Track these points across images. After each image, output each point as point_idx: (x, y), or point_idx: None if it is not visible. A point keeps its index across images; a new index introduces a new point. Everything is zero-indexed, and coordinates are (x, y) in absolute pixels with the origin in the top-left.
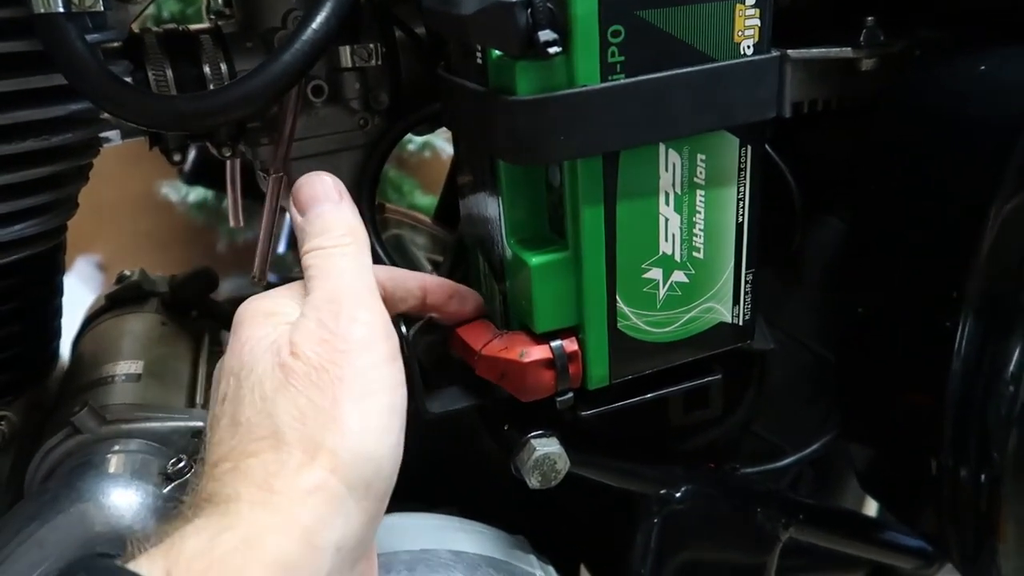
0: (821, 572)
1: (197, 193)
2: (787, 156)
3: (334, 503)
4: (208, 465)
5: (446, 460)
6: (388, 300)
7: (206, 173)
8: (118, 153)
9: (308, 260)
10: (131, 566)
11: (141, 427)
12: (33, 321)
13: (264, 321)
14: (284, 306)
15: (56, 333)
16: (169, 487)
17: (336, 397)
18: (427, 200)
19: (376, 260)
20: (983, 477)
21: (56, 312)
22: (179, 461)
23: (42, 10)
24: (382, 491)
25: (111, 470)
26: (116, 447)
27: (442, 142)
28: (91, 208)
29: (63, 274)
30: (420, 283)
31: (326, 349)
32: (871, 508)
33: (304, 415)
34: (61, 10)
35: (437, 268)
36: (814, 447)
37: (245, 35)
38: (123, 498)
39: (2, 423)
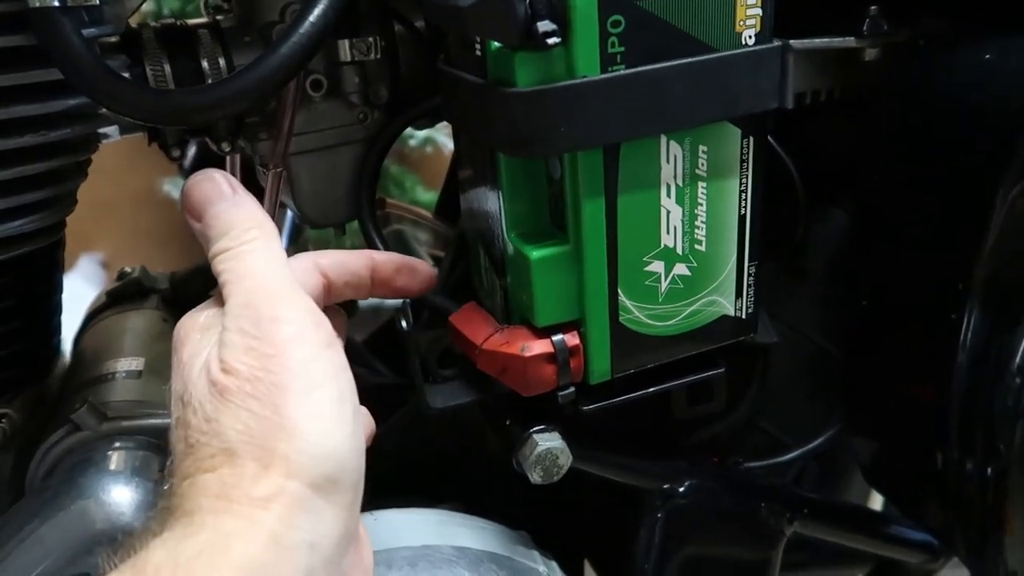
0: (826, 567)
1: None
2: (789, 147)
3: (298, 505)
4: (171, 483)
5: (448, 455)
6: (334, 286)
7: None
8: (119, 150)
9: (217, 266)
10: None
11: (142, 424)
12: (33, 318)
13: (200, 338)
14: (217, 317)
15: (56, 330)
16: (167, 484)
17: (276, 404)
18: (429, 196)
19: None
20: (989, 470)
21: (56, 309)
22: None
23: (37, 4)
24: (351, 482)
25: (112, 467)
26: (117, 444)
27: (444, 137)
28: (93, 206)
29: (63, 270)
30: (366, 262)
31: (254, 357)
32: (875, 502)
33: (249, 428)
34: (56, 4)
35: (439, 263)
36: (818, 441)
37: (243, 29)
38: (124, 495)
39: (3, 421)
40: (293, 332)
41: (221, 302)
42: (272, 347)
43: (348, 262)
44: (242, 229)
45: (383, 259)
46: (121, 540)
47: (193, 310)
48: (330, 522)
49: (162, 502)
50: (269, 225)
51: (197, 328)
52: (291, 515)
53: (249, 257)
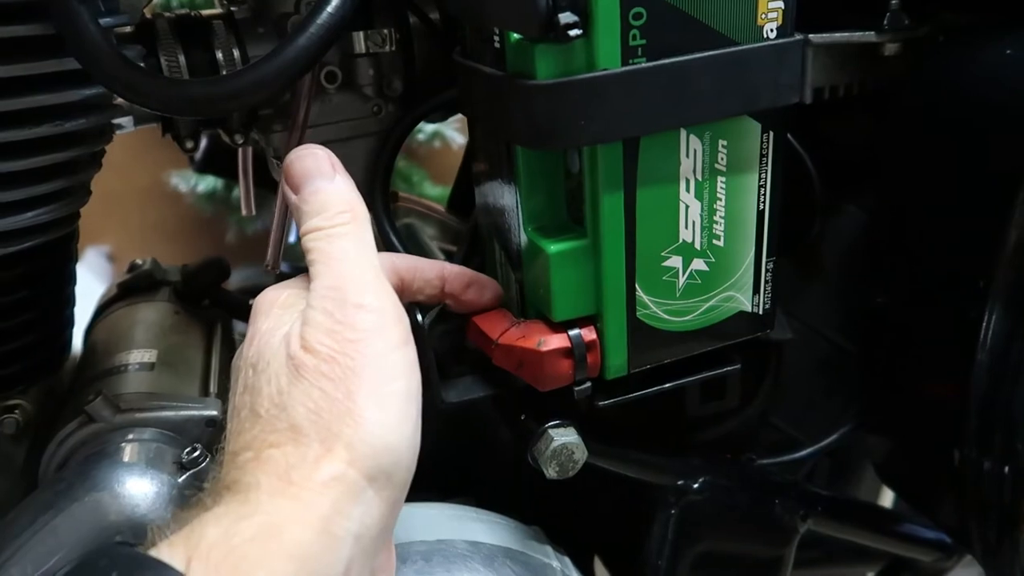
0: (838, 564)
1: (206, 183)
2: (806, 143)
3: (353, 494)
4: (229, 453)
5: (462, 450)
6: (406, 290)
7: (217, 162)
8: (126, 143)
9: (308, 243)
10: (152, 553)
11: (155, 416)
12: (47, 309)
13: (280, 312)
14: (299, 296)
15: (69, 321)
16: (184, 476)
17: (350, 389)
18: (437, 191)
19: (390, 249)
20: (1007, 469)
21: (69, 300)
22: (193, 450)
23: None
24: (402, 480)
25: (126, 459)
26: (130, 436)
27: (452, 132)
28: (100, 198)
29: (76, 262)
30: (439, 272)
31: (335, 340)
32: (886, 500)
33: (319, 408)
34: None
35: (450, 257)
36: (832, 438)
37: (257, 20)
38: (138, 487)
39: (16, 411)
40: (375, 322)
41: (306, 281)
42: (354, 333)
43: (423, 268)
44: (337, 211)
45: (454, 272)
46: (173, 513)
47: (276, 285)
48: (376, 515)
49: (218, 472)
50: (363, 211)
51: (279, 303)
52: (344, 503)
53: (341, 240)
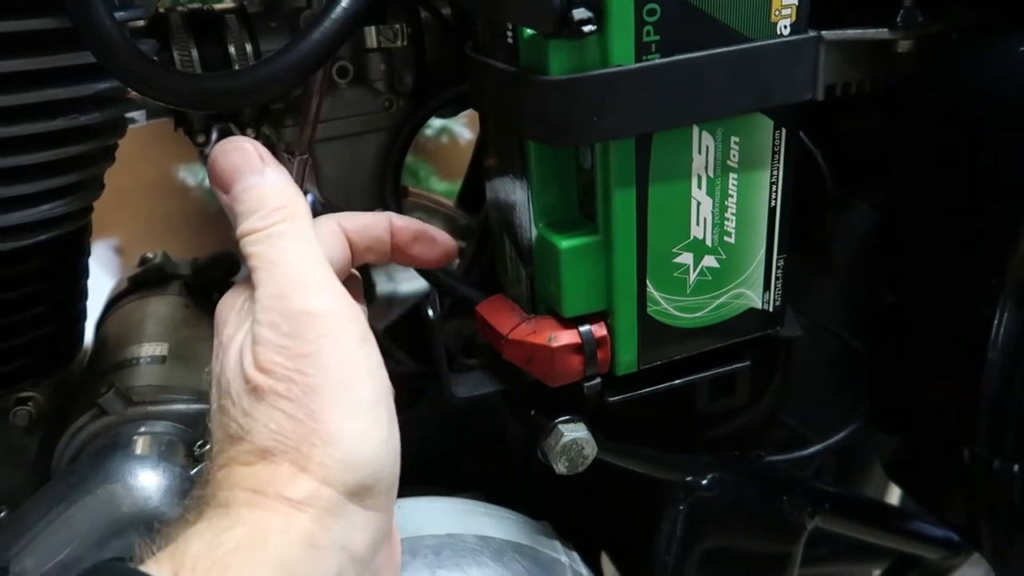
0: (846, 561)
1: None
2: (818, 140)
3: (333, 510)
4: (210, 469)
5: (471, 445)
6: (356, 252)
7: None
8: (134, 137)
9: (245, 248)
10: (141, 568)
11: (167, 409)
12: (60, 302)
13: (236, 321)
14: (250, 302)
15: (82, 314)
16: (196, 468)
17: (312, 409)
18: (443, 186)
19: None
20: (1017, 467)
21: (82, 294)
22: (205, 443)
23: None
24: (387, 485)
25: (138, 451)
26: (143, 428)
27: (460, 127)
28: (108, 192)
29: (88, 256)
30: (386, 226)
31: (287, 357)
32: (892, 497)
33: (283, 430)
34: None
35: (460, 252)
36: (840, 435)
37: (270, 15)
38: (150, 479)
39: (29, 404)
40: (326, 328)
41: (252, 286)
42: (305, 345)
43: (370, 226)
44: (272, 207)
45: (402, 224)
46: (157, 527)
47: (231, 290)
48: (362, 526)
49: (198, 489)
50: (301, 203)
51: (235, 310)
52: (326, 519)
53: (279, 241)
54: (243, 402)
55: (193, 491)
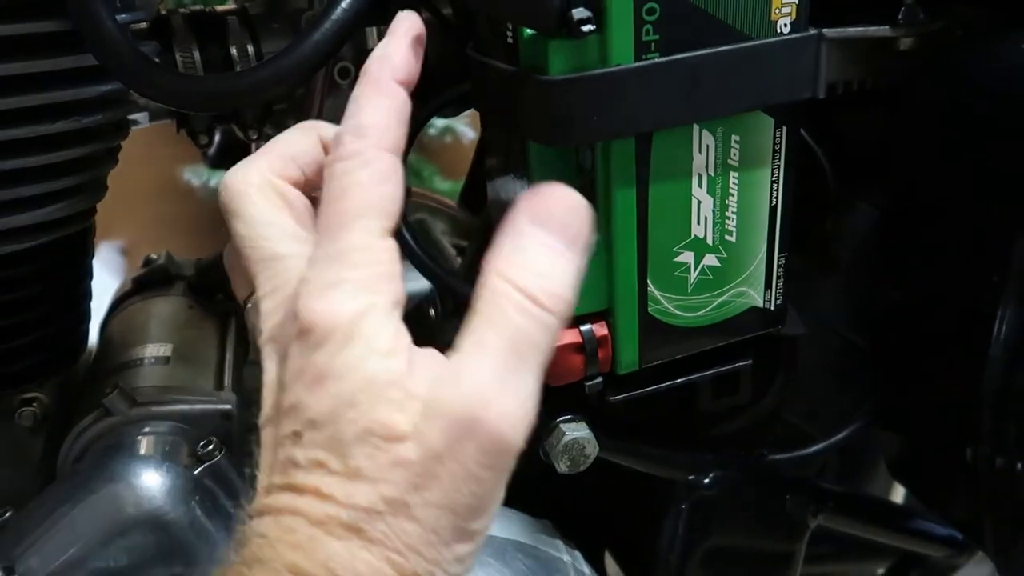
0: (849, 560)
1: (218, 177)
2: (820, 137)
3: None
4: None
5: None
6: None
7: (231, 157)
8: (139, 138)
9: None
10: None
11: (171, 409)
12: (64, 303)
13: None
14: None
15: (86, 315)
16: (199, 469)
17: None
18: (447, 185)
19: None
20: (1020, 465)
21: (86, 294)
22: (208, 443)
23: None
24: None
25: (142, 452)
26: (147, 429)
27: (463, 127)
28: (113, 193)
29: (93, 256)
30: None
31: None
32: (897, 496)
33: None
34: None
35: (462, 252)
36: (843, 434)
37: (271, 16)
38: (154, 479)
39: (34, 404)
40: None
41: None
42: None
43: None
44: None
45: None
46: None
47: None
48: None
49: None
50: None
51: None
52: None
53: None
54: None
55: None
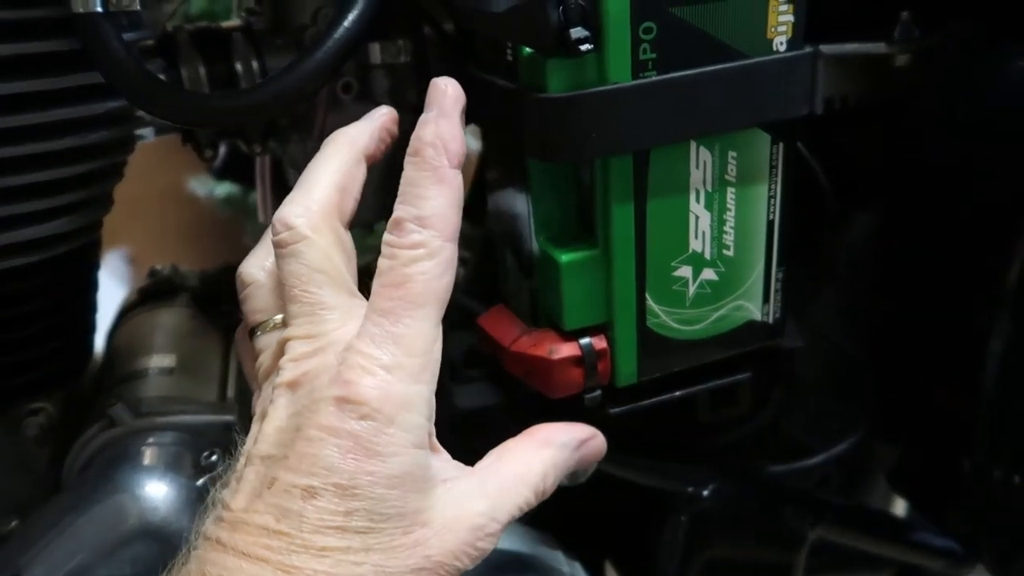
0: (848, 572)
1: (224, 188)
2: (817, 153)
3: None
4: None
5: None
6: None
7: (235, 168)
8: (146, 148)
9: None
10: None
11: (175, 420)
12: (69, 316)
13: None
14: None
15: (92, 327)
16: (202, 479)
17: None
18: None
19: None
20: (1017, 478)
21: (91, 307)
22: (211, 454)
23: (80, 10)
24: None
25: (146, 462)
26: (151, 440)
27: (467, 138)
28: (120, 203)
29: (98, 269)
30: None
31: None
32: (898, 507)
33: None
34: (99, 10)
35: (463, 264)
36: (842, 446)
37: (275, 32)
38: (157, 490)
39: (40, 415)
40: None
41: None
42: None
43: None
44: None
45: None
46: None
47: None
48: None
49: None
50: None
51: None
52: None
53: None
54: None
55: None
